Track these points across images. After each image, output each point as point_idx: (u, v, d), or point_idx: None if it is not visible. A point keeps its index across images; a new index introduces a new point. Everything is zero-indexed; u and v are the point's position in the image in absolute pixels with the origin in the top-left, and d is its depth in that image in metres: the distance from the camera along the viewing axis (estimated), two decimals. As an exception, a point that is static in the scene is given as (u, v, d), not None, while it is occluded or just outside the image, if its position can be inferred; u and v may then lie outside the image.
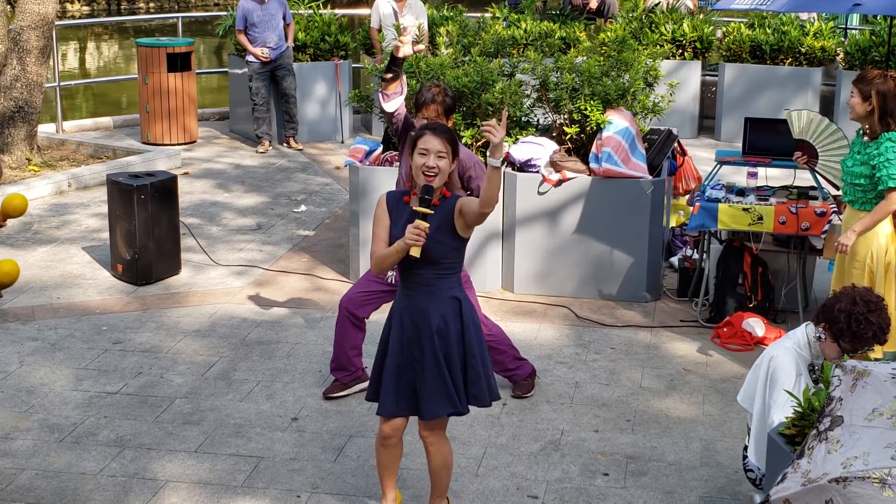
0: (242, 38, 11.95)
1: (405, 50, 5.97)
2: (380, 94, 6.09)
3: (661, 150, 8.11)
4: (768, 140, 7.70)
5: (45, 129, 12.48)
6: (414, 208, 4.54)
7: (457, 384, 4.70)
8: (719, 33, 13.14)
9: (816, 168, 7.31)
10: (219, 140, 12.90)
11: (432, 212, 4.49)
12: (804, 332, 4.75)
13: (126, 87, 16.95)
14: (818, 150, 7.28)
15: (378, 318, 5.79)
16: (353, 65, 13.26)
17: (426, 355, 4.65)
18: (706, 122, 13.27)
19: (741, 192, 7.46)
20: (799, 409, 4.03)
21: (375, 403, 4.85)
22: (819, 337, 4.64)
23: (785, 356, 4.68)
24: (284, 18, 12.07)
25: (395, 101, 6.05)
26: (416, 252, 4.48)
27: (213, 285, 8.14)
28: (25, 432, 5.88)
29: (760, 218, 7.20)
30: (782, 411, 4.57)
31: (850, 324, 4.54)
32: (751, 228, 7.28)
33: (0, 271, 4.48)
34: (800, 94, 12.31)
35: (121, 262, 8.15)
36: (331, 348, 6.94)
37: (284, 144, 12.49)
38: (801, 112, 7.36)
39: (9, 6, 11.57)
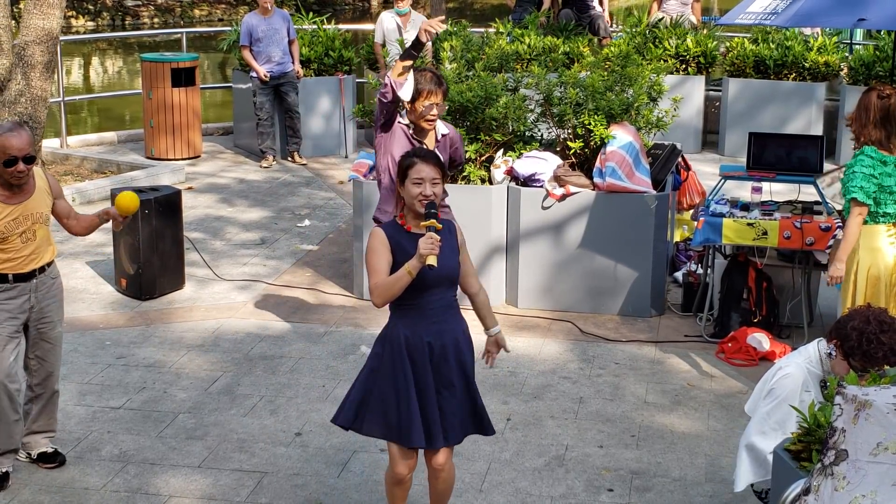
0: (247, 55, 11.98)
1: (435, 26, 5.87)
2: (392, 82, 6.03)
3: (664, 164, 8.11)
4: (773, 155, 7.69)
5: (50, 144, 12.51)
6: (424, 223, 4.50)
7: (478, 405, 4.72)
8: (723, 48, 13.16)
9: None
10: (223, 155, 12.92)
11: (441, 226, 4.51)
12: (816, 348, 4.72)
13: (130, 101, 17.00)
14: None
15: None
16: (357, 80, 13.27)
17: (455, 378, 4.63)
18: (710, 137, 13.27)
19: (745, 207, 7.45)
20: (805, 425, 4.00)
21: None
22: (830, 353, 4.62)
23: (795, 371, 4.66)
24: (288, 34, 12.10)
25: (407, 87, 6.05)
26: (432, 260, 4.43)
27: (217, 300, 8.13)
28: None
29: (765, 233, 7.19)
30: (757, 424, 4.64)
31: (862, 342, 4.50)
32: (755, 243, 7.27)
33: (122, 202, 5.36)
34: (803, 110, 12.32)
35: (124, 277, 8.14)
36: (335, 363, 6.94)
37: (288, 159, 12.51)
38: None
39: (13, 21, 11.59)
